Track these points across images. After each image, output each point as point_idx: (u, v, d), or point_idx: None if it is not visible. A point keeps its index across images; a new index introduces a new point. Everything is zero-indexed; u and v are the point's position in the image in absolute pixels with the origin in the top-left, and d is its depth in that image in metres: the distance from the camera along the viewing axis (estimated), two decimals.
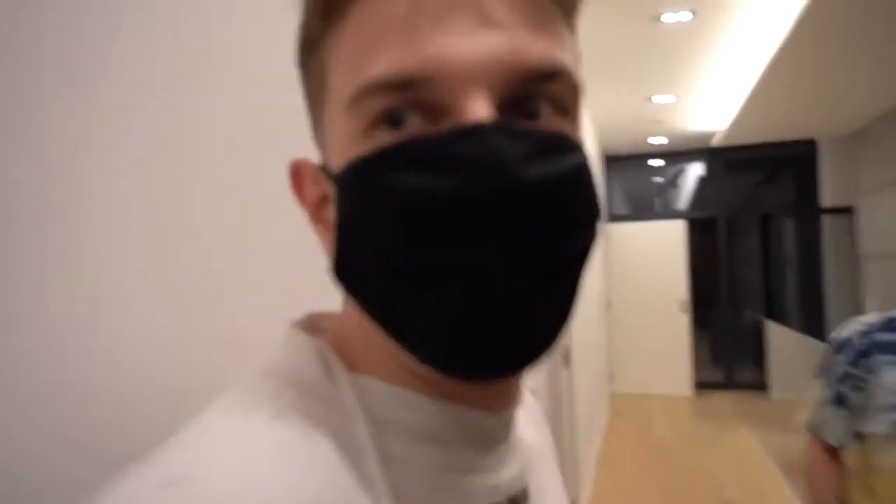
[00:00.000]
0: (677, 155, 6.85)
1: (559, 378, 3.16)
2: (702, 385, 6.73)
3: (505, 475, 0.40)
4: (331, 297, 0.44)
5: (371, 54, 0.33)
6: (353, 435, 0.35)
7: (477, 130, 0.32)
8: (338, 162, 0.36)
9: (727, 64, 3.97)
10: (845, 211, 5.86)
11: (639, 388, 6.66)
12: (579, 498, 3.42)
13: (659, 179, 7.04)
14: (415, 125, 0.33)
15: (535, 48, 0.34)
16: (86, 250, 0.50)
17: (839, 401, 1.32)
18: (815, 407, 1.39)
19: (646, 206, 7.04)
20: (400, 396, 0.38)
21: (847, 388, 1.30)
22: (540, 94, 0.35)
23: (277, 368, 0.39)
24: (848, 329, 1.34)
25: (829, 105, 4.75)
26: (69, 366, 0.48)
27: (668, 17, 3.19)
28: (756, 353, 6.68)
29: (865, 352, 1.27)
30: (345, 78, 0.35)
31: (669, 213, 6.90)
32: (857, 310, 5.51)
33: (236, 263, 0.70)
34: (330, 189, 0.38)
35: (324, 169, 0.39)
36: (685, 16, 3.17)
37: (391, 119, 0.34)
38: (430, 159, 0.33)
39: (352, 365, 0.39)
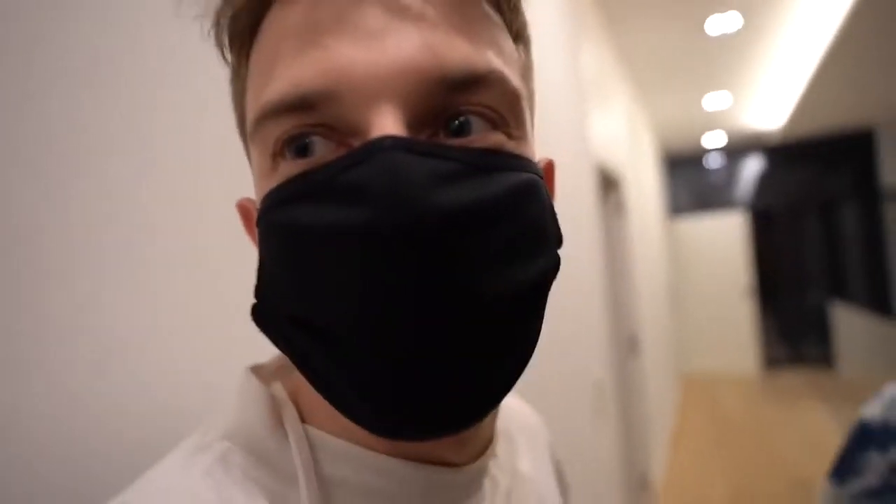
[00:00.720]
0: (736, 152, 6.71)
1: (627, 367, 3.16)
2: (770, 362, 6.57)
3: None
4: None
5: (270, 74, 0.27)
6: (293, 500, 0.29)
7: (373, 150, 0.24)
8: (259, 195, 0.30)
9: (780, 63, 3.89)
10: None
11: (708, 367, 6.57)
12: (652, 473, 3.31)
13: (720, 176, 6.89)
14: (322, 152, 0.26)
15: (458, 50, 0.26)
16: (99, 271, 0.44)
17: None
18: None
19: (708, 201, 6.89)
20: (350, 453, 0.31)
21: None
22: (466, 104, 0.27)
23: (226, 420, 0.32)
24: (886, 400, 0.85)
25: (886, 95, 4.54)
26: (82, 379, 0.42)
27: (715, 26, 3.16)
28: (822, 331, 6.45)
29: None
30: (251, 106, 0.29)
31: (731, 206, 6.80)
32: None
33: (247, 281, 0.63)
34: None
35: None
36: (735, 22, 3.12)
37: (295, 147, 0.26)
38: (324, 190, 0.25)
39: (307, 415, 0.32)
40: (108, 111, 0.46)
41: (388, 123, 0.24)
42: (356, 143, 0.25)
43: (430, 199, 0.23)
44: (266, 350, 0.35)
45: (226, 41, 0.30)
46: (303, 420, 0.31)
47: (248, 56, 0.29)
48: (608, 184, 2.97)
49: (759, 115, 5.29)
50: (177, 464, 0.30)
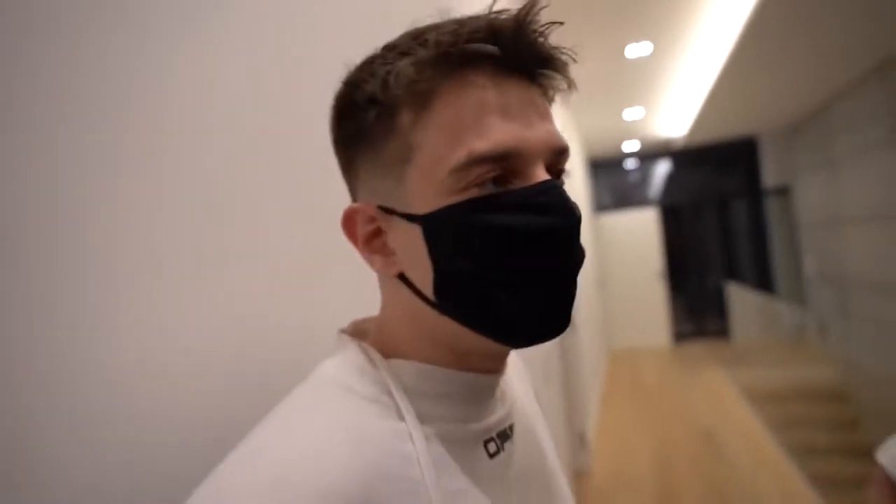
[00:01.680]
0: (648, 157, 6.88)
1: (567, 342, 3.30)
2: (679, 336, 6.83)
3: (493, 419, 0.42)
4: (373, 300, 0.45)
5: (474, 132, 0.36)
6: (394, 401, 0.38)
7: (550, 187, 0.37)
8: (425, 207, 0.37)
9: (683, 83, 4.07)
10: (783, 191, 5.86)
11: (629, 342, 6.77)
12: (586, 430, 3.47)
13: (635, 177, 7.02)
14: (502, 183, 0.37)
15: (559, 135, 0.40)
16: (178, 254, 0.45)
17: None
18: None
19: (626, 199, 7.00)
20: (422, 371, 0.40)
21: None
22: (560, 162, 0.40)
23: (335, 363, 0.41)
24: None
25: (765, 110, 4.84)
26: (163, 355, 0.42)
27: (631, 51, 3.31)
28: (720, 308, 6.75)
29: None
30: (446, 149, 0.36)
31: (645, 203, 6.92)
32: (798, 268, 5.53)
33: (314, 270, 0.65)
34: (397, 225, 0.39)
35: (388, 210, 0.39)
36: (647, 48, 3.28)
37: (493, 181, 0.36)
38: (522, 205, 0.36)
39: (389, 352, 0.41)
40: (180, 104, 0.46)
41: (543, 172, 0.37)
42: (519, 181, 0.37)
43: (575, 212, 0.37)
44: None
45: (405, 100, 0.37)
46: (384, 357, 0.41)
47: (426, 116, 0.37)
48: None
49: (666, 125, 5.45)
50: (308, 392, 0.39)
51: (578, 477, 3.19)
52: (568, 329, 0.39)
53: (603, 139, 5.85)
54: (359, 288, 0.61)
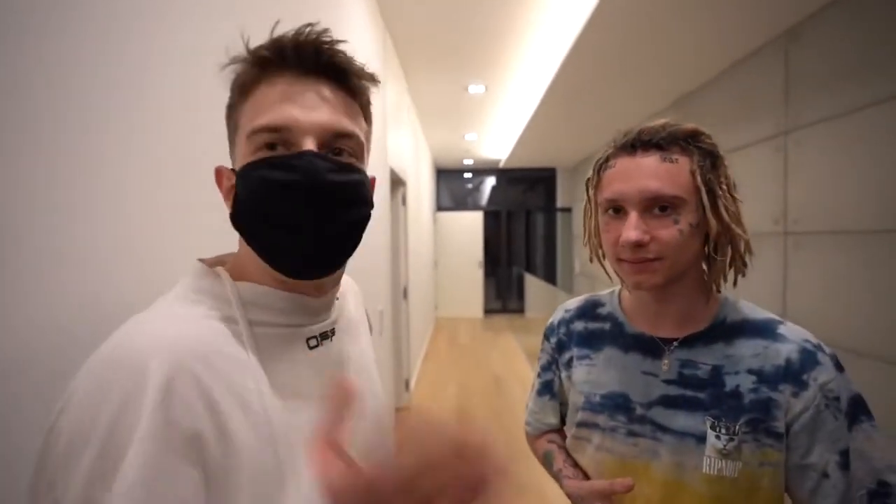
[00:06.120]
0: (479, 172, 7.12)
1: (400, 307, 3.43)
2: (488, 310, 7.26)
3: (318, 326, 0.45)
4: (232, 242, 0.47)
5: (261, 113, 0.39)
6: (231, 311, 0.40)
7: (305, 154, 0.39)
8: (240, 164, 0.41)
9: (505, 119, 4.35)
10: (568, 210, 6.51)
11: (452, 313, 7.04)
12: (411, 378, 3.59)
13: (469, 186, 7.21)
14: (280, 150, 0.40)
15: (342, 121, 0.40)
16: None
17: (546, 389, 0.78)
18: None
19: (461, 202, 7.20)
20: (260, 290, 0.42)
21: (553, 375, 0.77)
22: (343, 143, 0.41)
23: (188, 281, 0.42)
24: (556, 315, 0.79)
25: (560, 151, 5.30)
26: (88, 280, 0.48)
27: (472, 89, 3.53)
28: (519, 292, 7.25)
29: (565, 343, 0.74)
30: (247, 123, 0.40)
31: (474, 207, 7.15)
32: (571, 267, 6.10)
33: (181, 220, 0.66)
34: (234, 179, 0.42)
35: (233, 169, 0.43)
36: (482, 89, 3.52)
37: (269, 146, 0.40)
38: (284, 166, 0.39)
39: (239, 276, 0.43)
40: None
41: (309, 144, 0.39)
42: (295, 150, 0.39)
43: (323, 175, 0.39)
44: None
45: (235, 92, 0.42)
46: (234, 279, 0.43)
47: (244, 102, 0.41)
48: (396, 182, 3.14)
49: (493, 149, 5.71)
50: (167, 304, 0.40)
51: (400, 411, 3.32)
52: (330, 273, 0.42)
53: (449, 154, 6.02)
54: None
